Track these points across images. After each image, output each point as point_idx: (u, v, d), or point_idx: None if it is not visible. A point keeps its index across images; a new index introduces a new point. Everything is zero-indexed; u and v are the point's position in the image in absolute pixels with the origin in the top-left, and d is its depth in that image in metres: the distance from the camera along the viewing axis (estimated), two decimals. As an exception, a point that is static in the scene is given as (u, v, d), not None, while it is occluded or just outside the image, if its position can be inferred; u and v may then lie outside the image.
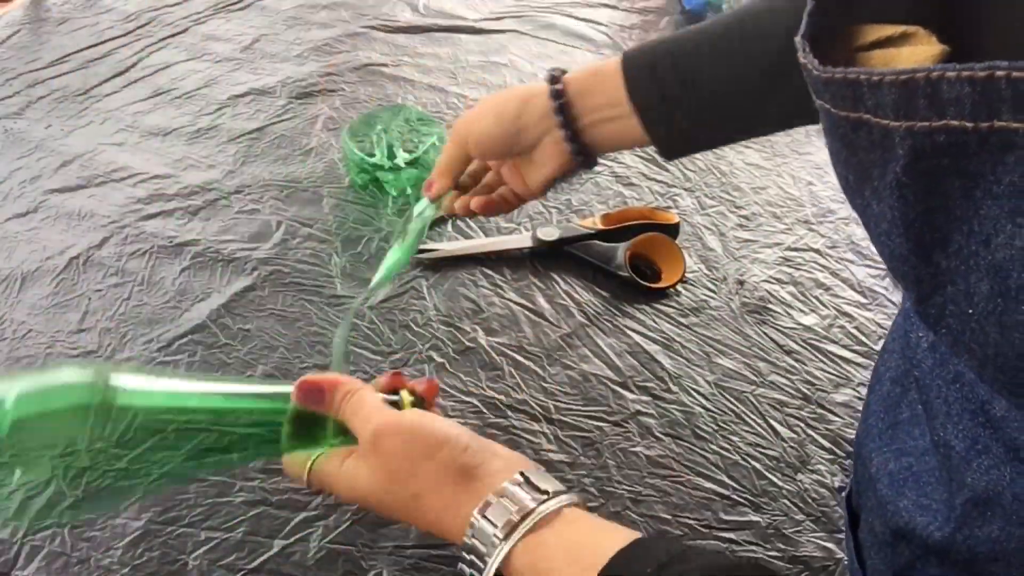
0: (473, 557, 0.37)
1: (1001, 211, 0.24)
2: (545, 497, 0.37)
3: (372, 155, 0.87)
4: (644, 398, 0.71)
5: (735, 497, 0.64)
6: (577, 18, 1.22)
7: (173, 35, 1.11)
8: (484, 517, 0.37)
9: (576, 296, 0.79)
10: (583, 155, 0.56)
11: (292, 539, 0.59)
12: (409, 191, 0.87)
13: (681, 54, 0.54)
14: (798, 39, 0.30)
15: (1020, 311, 0.24)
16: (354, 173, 0.87)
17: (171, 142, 0.93)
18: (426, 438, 0.41)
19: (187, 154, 0.92)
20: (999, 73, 0.22)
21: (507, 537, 0.36)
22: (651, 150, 1.00)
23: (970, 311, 0.27)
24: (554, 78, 0.55)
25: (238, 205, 0.85)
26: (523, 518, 0.37)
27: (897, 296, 0.82)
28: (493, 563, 0.36)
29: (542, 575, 0.36)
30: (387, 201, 0.87)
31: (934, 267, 0.28)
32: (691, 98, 0.51)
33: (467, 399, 0.69)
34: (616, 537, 0.36)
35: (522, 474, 0.39)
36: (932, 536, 0.39)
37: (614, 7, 1.26)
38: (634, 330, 0.76)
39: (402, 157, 0.86)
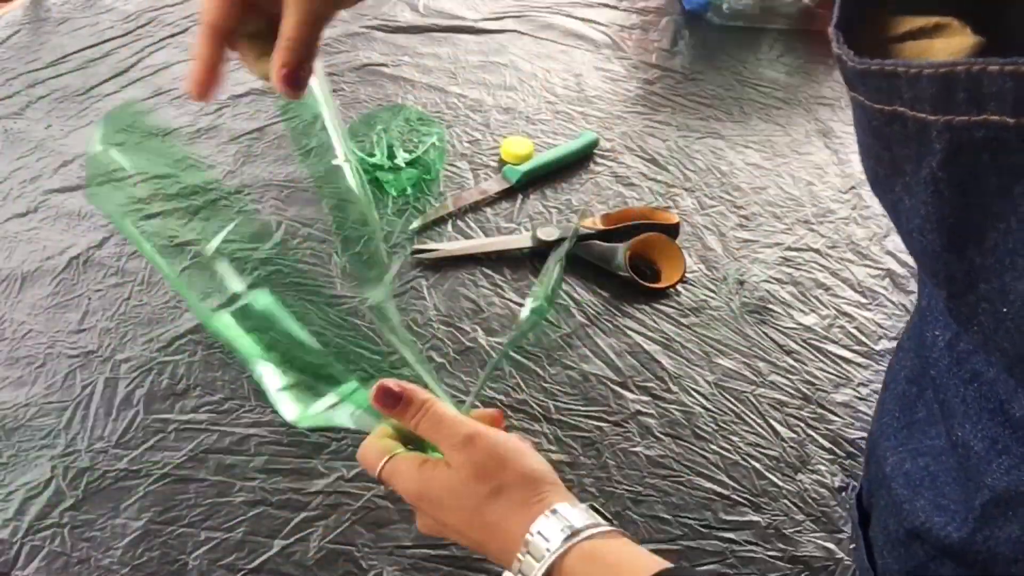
0: (528, 558, 0.39)
1: None
2: (598, 523, 0.39)
3: (372, 155, 0.87)
4: (644, 398, 0.71)
5: (735, 497, 0.64)
6: (577, 18, 1.22)
7: (173, 35, 1.11)
8: (540, 534, 0.39)
9: (576, 296, 0.79)
10: None
11: (292, 539, 0.59)
12: (409, 191, 0.87)
13: None
14: (831, 29, 0.29)
15: None
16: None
17: (171, 142, 0.93)
18: (515, 444, 0.42)
19: (187, 154, 0.92)
20: None
21: (567, 540, 0.38)
22: (651, 149, 1.00)
23: (1004, 310, 0.26)
24: None
25: (238, 205, 0.85)
26: (581, 529, 0.38)
27: (897, 296, 0.82)
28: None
29: None
30: (387, 201, 0.87)
31: (968, 264, 0.27)
32: None
33: (467, 399, 0.69)
34: (654, 564, 0.37)
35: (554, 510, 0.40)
36: (949, 537, 0.38)
37: (614, 7, 1.26)
38: (634, 330, 0.76)
39: (402, 157, 0.86)
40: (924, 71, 0.24)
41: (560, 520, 0.39)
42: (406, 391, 0.44)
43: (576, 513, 0.39)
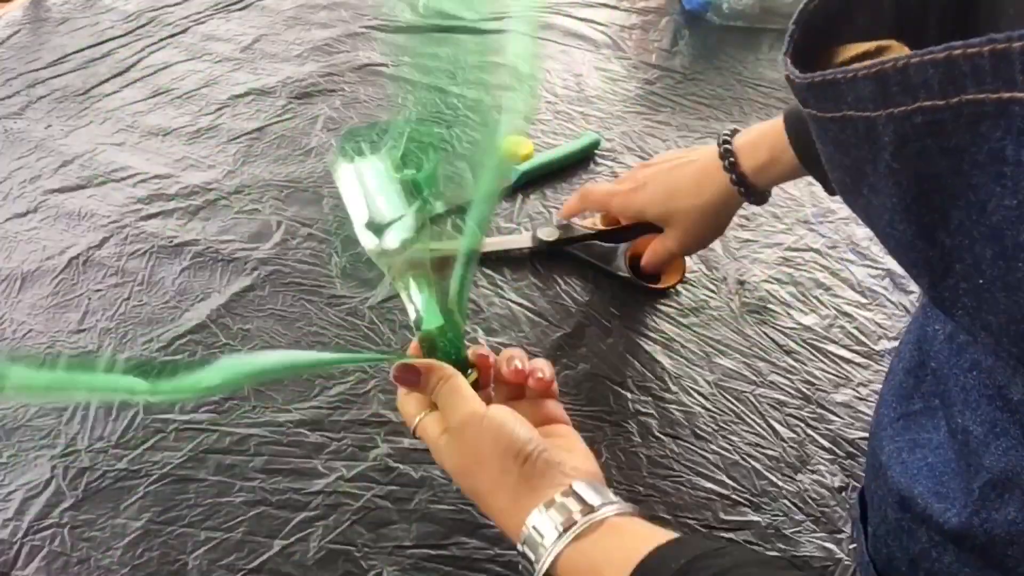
0: (526, 554, 0.43)
1: (988, 177, 0.26)
2: (589, 510, 0.42)
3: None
4: (644, 398, 0.71)
5: (735, 497, 0.64)
6: (577, 18, 1.22)
7: (173, 35, 1.11)
8: (534, 528, 0.42)
9: (576, 296, 0.79)
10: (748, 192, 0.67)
11: (292, 539, 0.59)
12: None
13: None
14: (781, 56, 0.33)
15: (1019, 268, 0.26)
16: None
17: (171, 142, 0.93)
18: (506, 439, 0.45)
19: (187, 154, 0.92)
20: (956, 52, 0.24)
21: (554, 543, 0.41)
22: (651, 149, 1.00)
23: (980, 281, 0.28)
24: (731, 162, 0.66)
25: (238, 205, 0.85)
26: (565, 530, 0.41)
27: (897, 296, 0.82)
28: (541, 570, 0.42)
29: (581, 570, 0.40)
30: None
31: (940, 247, 0.29)
32: None
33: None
34: (658, 537, 0.40)
35: (571, 487, 0.43)
36: (949, 522, 0.39)
37: (614, 7, 1.26)
38: (634, 330, 0.76)
39: (404, 174, 0.87)
40: (859, 73, 0.28)
41: (556, 514, 0.42)
42: (425, 366, 0.48)
43: (571, 503, 0.42)
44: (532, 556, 0.42)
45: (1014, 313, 0.27)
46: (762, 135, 0.66)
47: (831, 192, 0.61)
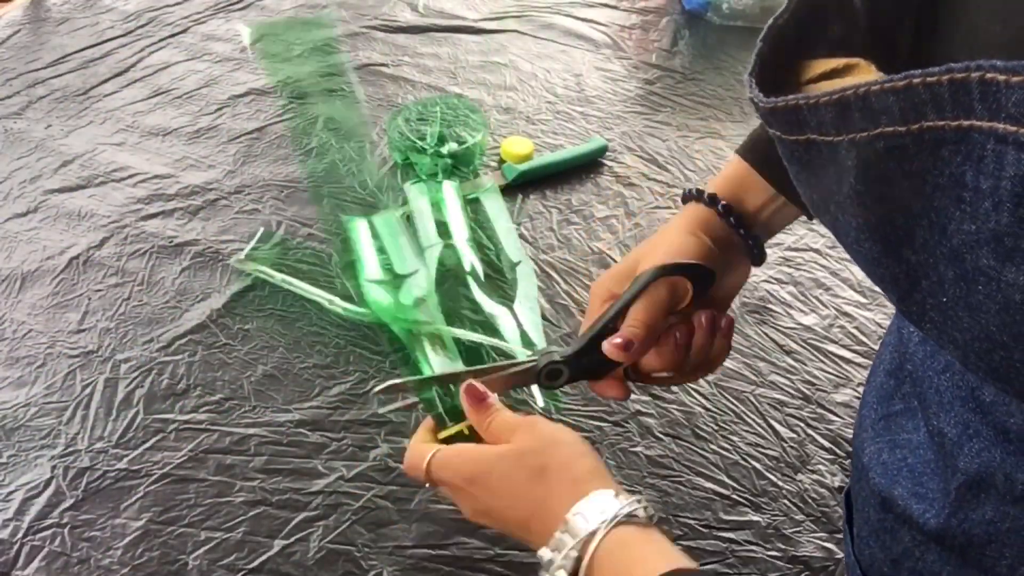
0: (565, 536, 0.41)
1: (948, 200, 0.26)
2: (637, 512, 0.41)
3: (422, 138, 0.91)
4: (644, 398, 0.71)
5: (735, 497, 0.64)
6: (577, 18, 1.22)
7: (173, 35, 1.11)
8: (580, 515, 0.41)
9: (576, 296, 0.79)
10: (759, 252, 0.53)
11: (292, 539, 0.59)
12: (440, 176, 0.90)
13: None
14: (746, 77, 0.33)
15: (978, 291, 0.26)
16: (394, 150, 0.93)
17: (171, 142, 0.93)
18: (567, 435, 0.44)
19: (187, 154, 0.92)
20: (915, 81, 0.24)
21: (603, 524, 0.40)
22: (651, 149, 1.00)
23: (944, 300, 0.28)
24: (712, 198, 0.52)
25: (238, 205, 0.85)
26: (618, 515, 0.40)
27: (897, 296, 0.82)
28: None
29: (606, 571, 0.39)
30: (415, 178, 0.89)
31: (906, 264, 0.29)
32: None
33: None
34: (677, 562, 0.38)
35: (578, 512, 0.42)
36: (928, 523, 0.40)
37: (614, 7, 1.26)
38: (634, 330, 0.76)
39: (449, 147, 0.91)
40: (821, 100, 0.28)
41: (601, 504, 0.41)
42: (489, 396, 0.48)
43: (617, 502, 0.41)
44: (570, 542, 0.40)
45: (976, 332, 0.28)
46: (731, 180, 0.53)
47: (810, 217, 0.53)
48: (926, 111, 0.25)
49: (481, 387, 0.48)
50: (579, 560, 0.39)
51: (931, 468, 0.41)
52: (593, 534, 0.39)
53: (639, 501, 0.42)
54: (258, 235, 0.81)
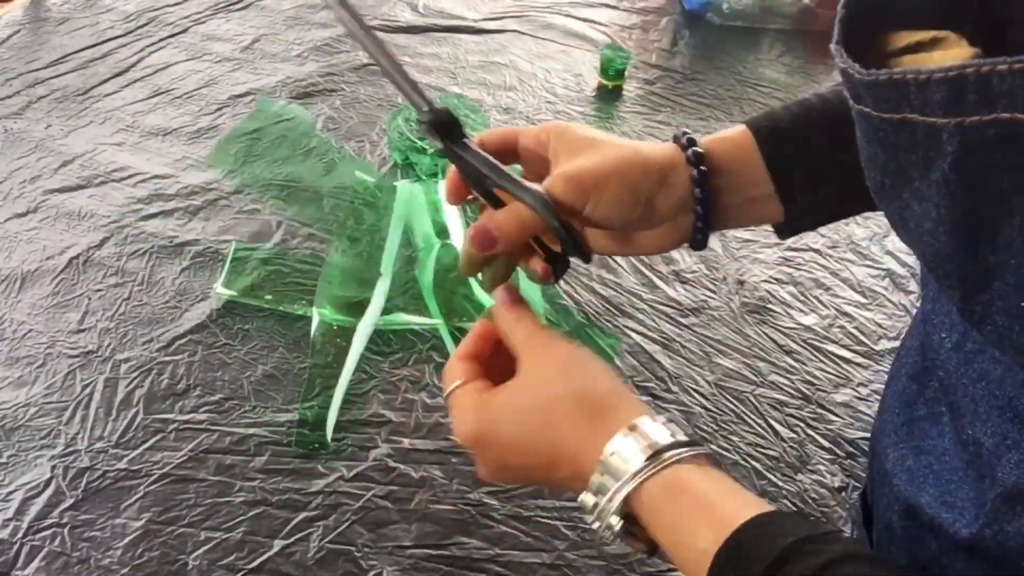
0: (606, 478, 0.35)
1: None
2: (684, 441, 0.36)
3: (423, 138, 0.92)
4: (644, 398, 0.71)
5: (735, 497, 0.64)
6: (577, 18, 1.22)
7: (173, 35, 1.11)
8: (625, 439, 0.35)
9: (576, 296, 0.79)
10: (702, 238, 0.47)
11: (292, 539, 0.59)
12: (440, 176, 0.89)
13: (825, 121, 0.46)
14: (833, 45, 0.30)
15: None
16: (394, 150, 0.93)
17: (171, 142, 0.93)
18: (579, 359, 0.40)
19: (187, 154, 0.92)
20: None
21: (650, 460, 0.34)
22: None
23: (1022, 304, 0.27)
24: (697, 156, 0.47)
25: (238, 205, 0.85)
26: (666, 448, 0.35)
27: (897, 296, 0.82)
28: (624, 485, 0.34)
29: (666, 514, 0.34)
30: (415, 177, 0.90)
31: (982, 263, 0.27)
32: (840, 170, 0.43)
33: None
34: (751, 504, 0.34)
35: (659, 418, 0.37)
36: (959, 533, 0.38)
37: (614, 7, 1.26)
38: (634, 330, 0.76)
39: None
40: (934, 76, 0.25)
41: (640, 438, 0.35)
42: (516, 295, 0.44)
43: (658, 429, 0.36)
44: (610, 486, 0.35)
45: None
46: (728, 142, 0.52)
47: (782, 236, 0.49)
48: None
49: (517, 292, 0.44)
50: (627, 501, 0.34)
51: (959, 476, 0.39)
52: (642, 474, 0.34)
53: (672, 422, 0.37)
54: (229, 256, 0.77)
